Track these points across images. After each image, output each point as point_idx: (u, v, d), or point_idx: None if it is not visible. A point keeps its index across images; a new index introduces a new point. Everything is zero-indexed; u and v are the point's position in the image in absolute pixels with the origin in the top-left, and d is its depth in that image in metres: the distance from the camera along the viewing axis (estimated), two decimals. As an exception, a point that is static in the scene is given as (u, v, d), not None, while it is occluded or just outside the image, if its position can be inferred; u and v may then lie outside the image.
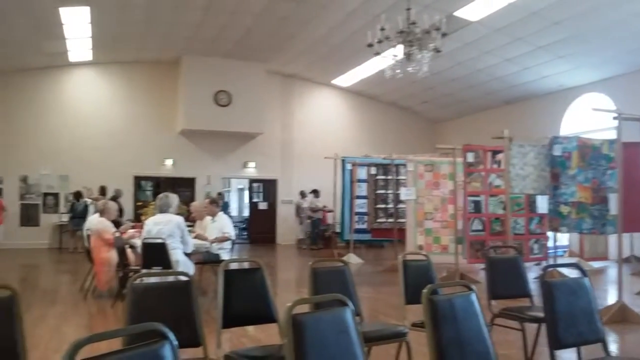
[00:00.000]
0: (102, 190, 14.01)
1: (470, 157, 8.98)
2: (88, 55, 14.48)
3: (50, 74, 14.97)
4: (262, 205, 17.66)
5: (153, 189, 16.32)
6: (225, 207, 14.84)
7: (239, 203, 22.82)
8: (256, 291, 3.25)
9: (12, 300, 2.56)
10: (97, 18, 11.59)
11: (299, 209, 16.30)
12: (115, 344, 1.73)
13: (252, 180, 17.79)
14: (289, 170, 17.47)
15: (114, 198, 14.01)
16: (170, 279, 4.87)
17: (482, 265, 9.66)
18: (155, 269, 6.18)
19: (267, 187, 17.66)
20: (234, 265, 4.72)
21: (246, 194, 19.86)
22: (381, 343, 3.33)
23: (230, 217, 8.96)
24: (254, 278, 3.30)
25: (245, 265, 3.68)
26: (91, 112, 15.36)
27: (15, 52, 13.34)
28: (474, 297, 2.43)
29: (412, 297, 3.69)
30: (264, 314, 3.26)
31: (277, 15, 11.94)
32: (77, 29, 12.12)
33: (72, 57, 14.36)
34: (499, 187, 9.02)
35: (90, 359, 1.44)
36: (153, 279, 4.10)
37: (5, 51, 13.05)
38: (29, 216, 14.81)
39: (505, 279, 4.22)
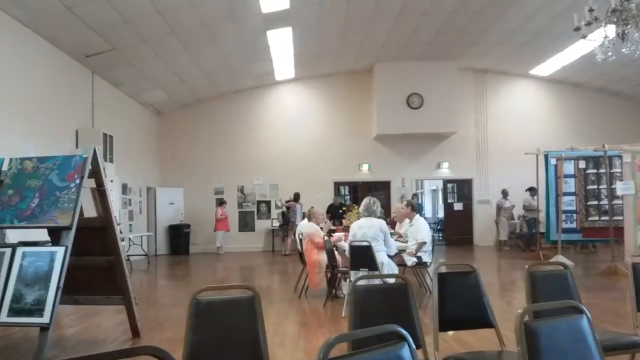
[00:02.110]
0: (296, 197, 15.08)
1: None
2: (291, 73, 15.79)
3: (259, 93, 16.62)
4: (458, 206, 17.33)
5: (351, 194, 17.06)
6: (419, 209, 14.89)
7: (432, 204, 22.66)
8: (471, 295, 3.22)
9: (254, 300, 2.90)
10: (298, 37, 12.54)
11: (500, 209, 15.60)
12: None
13: (446, 181, 17.54)
14: (485, 168, 16.89)
15: (334, 205, 14.99)
16: (377, 281, 5.02)
17: None
18: (362, 271, 6.46)
19: (462, 187, 17.29)
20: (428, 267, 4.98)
21: (440, 194, 19.65)
22: (614, 353, 3.05)
23: (425, 218, 8.93)
24: (468, 281, 3.28)
25: (442, 268, 3.64)
26: (294, 124, 16.65)
27: (232, 76, 15.10)
28: None
29: (646, 304, 3.32)
30: (479, 319, 3.21)
31: (470, 10, 11.68)
32: (281, 49, 13.25)
33: (278, 75, 15.79)
34: None
35: (340, 357, 1.54)
36: (362, 281, 4.29)
37: (224, 76, 14.87)
38: (245, 222, 16.55)
39: None
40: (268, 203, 16.65)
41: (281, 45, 12.96)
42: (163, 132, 16.55)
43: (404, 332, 1.63)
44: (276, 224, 15.99)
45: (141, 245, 14.05)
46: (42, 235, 5.48)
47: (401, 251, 7.27)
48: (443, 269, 3.38)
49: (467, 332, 4.85)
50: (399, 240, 7.65)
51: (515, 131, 16.51)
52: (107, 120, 12.07)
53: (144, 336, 5.58)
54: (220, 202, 15.94)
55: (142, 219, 15.03)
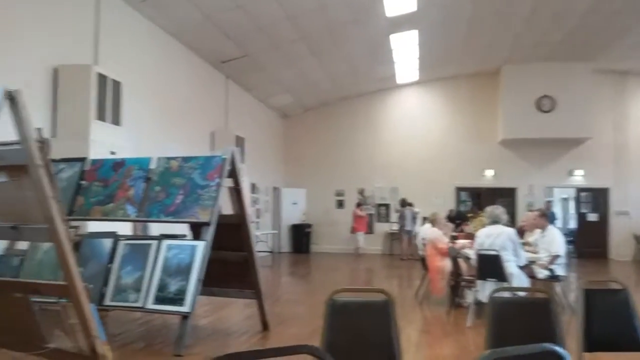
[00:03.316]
0: (402, 202, 15.27)
1: None
2: (414, 76, 15.67)
3: (380, 96, 16.70)
4: (592, 217, 16.16)
5: (472, 200, 16.51)
6: (552, 219, 14.05)
7: (563, 214, 21.29)
8: (621, 315, 3.00)
9: (388, 304, 2.91)
10: (424, 40, 12.40)
11: None
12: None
13: (579, 190, 16.40)
14: (624, 177, 15.58)
15: (454, 216, 14.70)
16: (506, 293, 4.81)
17: None
18: (490, 281, 6.25)
19: (597, 197, 16.08)
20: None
21: (571, 204, 18.42)
22: None
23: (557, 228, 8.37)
24: (617, 300, 3.05)
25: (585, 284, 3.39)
26: (416, 128, 16.51)
27: (354, 80, 15.32)
28: None
29: None
30: (630, 341, 2.98)
31: (608, 10, 10.83)
32: (404, 52, 13.19)
33: (399, 79, 15.73)
34: None
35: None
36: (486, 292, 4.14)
37: (347, 80, 15.13)
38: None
39: None
40: (387, 206, 16.65)
41: (405, 48, 12.88)
42: (288, 134, 17.20)
43: (562, 351, 1.56)
44: (395, 227, 15.93)
45: (267, 242, 14.67)
46: (180, 229, 5.92)
47: (531, 262, 6.92)
48: (587, 285, 3.17)
49: (611, 355, 4.52)
50: (529, 251, 7.27)
51: (660, 137, 15.11)
52: (239, 123, 12.77)
53: (272, 330, 5.82)
54: (358, 204, 16.13)
55: (267, 217, 15.71)
